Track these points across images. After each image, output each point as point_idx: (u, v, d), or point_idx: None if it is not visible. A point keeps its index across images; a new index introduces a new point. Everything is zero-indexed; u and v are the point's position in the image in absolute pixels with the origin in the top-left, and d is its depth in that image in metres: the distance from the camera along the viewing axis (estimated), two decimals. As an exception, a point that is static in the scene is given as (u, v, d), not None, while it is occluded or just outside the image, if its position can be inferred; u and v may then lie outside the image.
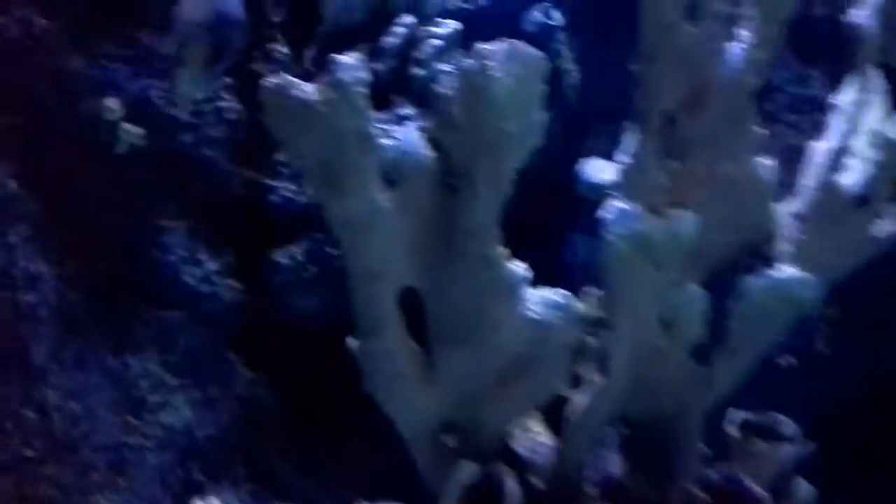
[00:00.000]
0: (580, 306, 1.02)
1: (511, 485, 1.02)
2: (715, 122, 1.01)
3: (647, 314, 1.01)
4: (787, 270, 1.03)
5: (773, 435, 1.12)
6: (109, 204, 1.01)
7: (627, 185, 1.00)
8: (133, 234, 1.04)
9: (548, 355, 1.00)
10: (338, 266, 1.12)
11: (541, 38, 1.44)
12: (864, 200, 1.07)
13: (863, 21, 1.02)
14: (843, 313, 1.41)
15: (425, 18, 1.22)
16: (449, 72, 0.93)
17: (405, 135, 0.95)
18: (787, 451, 1.11)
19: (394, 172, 0.95)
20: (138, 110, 1.01)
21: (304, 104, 0.88)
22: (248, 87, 1.12)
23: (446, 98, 0.93)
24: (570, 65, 1.39)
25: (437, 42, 1.20)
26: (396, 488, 1.02)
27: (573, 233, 1.34)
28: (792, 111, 1.63)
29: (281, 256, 1.15)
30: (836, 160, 1.05)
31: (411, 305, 0.98)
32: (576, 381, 1.04)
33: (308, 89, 0.89)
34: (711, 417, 1.10)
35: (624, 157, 1.00)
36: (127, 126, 1.01)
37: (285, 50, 1.17)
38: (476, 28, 1.29)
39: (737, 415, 1.13)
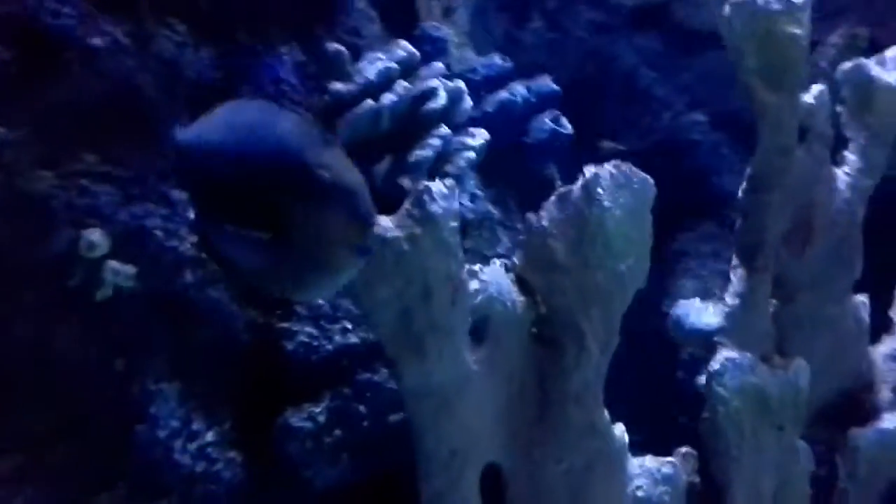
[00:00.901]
0: (685, 476, 0.85)
1: None
2: (821, 258, 0.89)
3: (766, 483, 0.85)
4: (894, 420, 0.92)
5: None
6: (84, 370, 0.76)
7: (736, 331, 0.85)
8: (113, 408, 0.78)
9: (655, 542, 0.82)
10: (372, 429, 0.90)
11: (550, 146, 1.31)
12: (955, 338, 0.98)
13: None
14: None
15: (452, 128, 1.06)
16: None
17: (491, 276, 0.76)
18: None
19: (479, 324, 0.76)
20: (128, 244, 0.77)
21: (382, 241, 0.68)
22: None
23: (541, 232, 0.76)
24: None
25: (471, 155, 1.04)
26: None
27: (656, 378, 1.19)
28: None
29: (297, 419, 0.92)
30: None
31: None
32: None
33: (386, 223, 0.69)
34: None
35: (731, 299, 0.86)
36: (114, 265, 0.77)
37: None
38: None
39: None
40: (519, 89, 1.26)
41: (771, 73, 0.81)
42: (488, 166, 1.17)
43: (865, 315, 0.94)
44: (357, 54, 1.06)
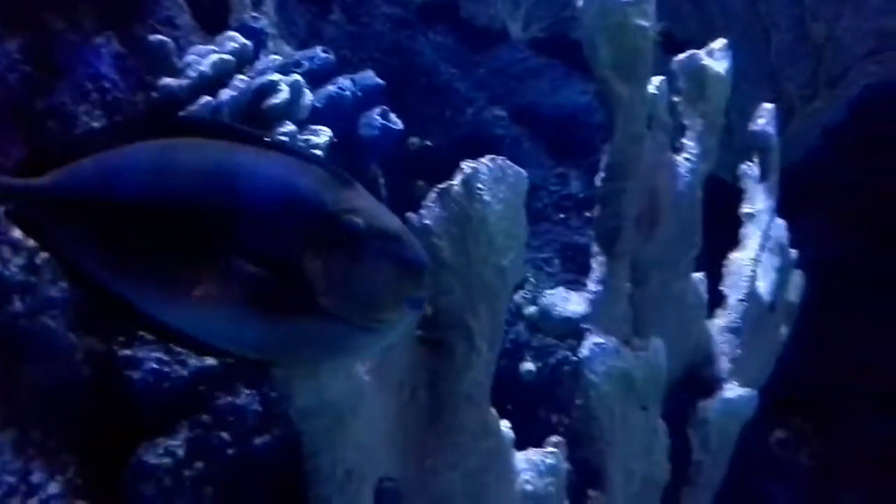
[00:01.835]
0: (566, 465, 0.86)
1: None
2: (667, 239, 0.93)
3: (637, 464, 0.88)
4: (735, 389, 0.98)
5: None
6: None
7: (600, 317, 0.87)
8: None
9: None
10: (237, 456, 0.82)
11: (381, 142, 1.27)
12: (773, 307, 1.08)
13: (767, 130, 1.03)
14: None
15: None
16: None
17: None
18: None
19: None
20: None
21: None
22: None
23: (424, 231, 0.73)
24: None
25: (318, 154, 0.98)
26: None
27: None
28: (557, 209, 1.65)
29: (152, 455, 0.81)
30: (755, 270, 1.03)
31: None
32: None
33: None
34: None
35: (594, 286, 0.88)
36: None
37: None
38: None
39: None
40: (346, 83, 1.22)
41: (623, 65, 0.84)
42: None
43: (703, 291, 1.01)
44: (178, 46, 0.97)
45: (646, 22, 0.83)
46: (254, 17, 1.14)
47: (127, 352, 0.80)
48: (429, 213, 0.73)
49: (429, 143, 1.60)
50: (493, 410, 0.78)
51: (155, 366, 0.81)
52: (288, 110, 0.93)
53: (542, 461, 0.82)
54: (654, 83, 0.89)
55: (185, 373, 0.81)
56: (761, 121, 1.03)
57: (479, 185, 0.74)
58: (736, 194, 1.09)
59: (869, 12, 1.23)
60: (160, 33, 0.97)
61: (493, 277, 0.74)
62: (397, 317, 0.52)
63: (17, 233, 0.66)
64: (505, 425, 0.80)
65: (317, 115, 1.18)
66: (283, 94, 0.92)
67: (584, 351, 0.85)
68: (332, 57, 1.28)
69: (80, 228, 0.52)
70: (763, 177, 1.04)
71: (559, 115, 1.68)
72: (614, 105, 0.85)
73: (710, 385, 0.99)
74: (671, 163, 0.92)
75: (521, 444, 0.82)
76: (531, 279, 1.46)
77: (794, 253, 1.11)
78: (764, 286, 1.05)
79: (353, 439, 0.69)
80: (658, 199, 0.92)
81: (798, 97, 1.34)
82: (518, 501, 0.79)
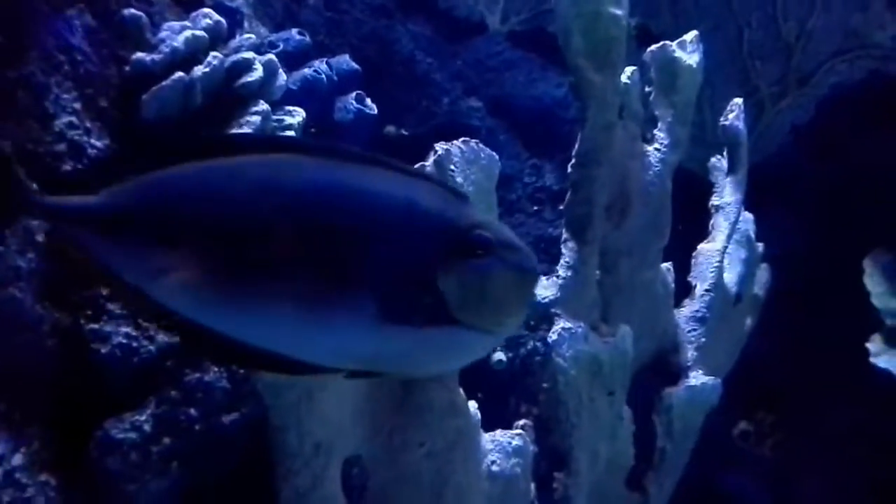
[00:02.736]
0: (533, 447, 0.86)
1: None
2: (637, 227, 0.94)
3: (602, 448, 0.89)
4: (700, 377, 1.00)
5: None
6: None
7: (570, 302, 0.88)
8: None
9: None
10: (206, 433, 0.82)
11: (356, 127, 1.27)
12: (739, 298, 1.09)
13: (736, 125, 1.05)
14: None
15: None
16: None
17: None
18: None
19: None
20: None
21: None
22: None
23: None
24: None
25: (291, 135, 0.97)
26: None
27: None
28: (531, 201, 1.66)
29: (118, 430, 0.80)
30: (722, 261, 1.05)
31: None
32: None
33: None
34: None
35: (564, 271, 0.88)
36: None
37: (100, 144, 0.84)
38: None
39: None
40: (322, 67, 1.22)
41: (596, 53, 0.85)
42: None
43: (671, 280, 1.02)
44: (152, 22, 0.96)
45: (619, 11, 0.84)
46: (230, -3, 1.13)
47: (95, 325, 0.79)
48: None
49: (405, 132, 1.60)
50: (461, 391, 0.79)
51: (123, 340, 0.80)
52: (262, 90, 0.93)
53: (509, 442, 0.83)
54: (627, 73, 0.91)
55: (153, 348, 0.80)
56: (731, 115, 1.05)
57: (452, 167, 0.74)
58: (707, 188, 1.11)
59: (837, 12, 1.25)
60: (134, 8, 0.97)
61: (463, 258, 0.75)
62: (517, 321, 0.55)
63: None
64: (472, 406, 0.81)
65: (291, 98, 1.18)
66: (257, 73, 0.91)
67: (553, 335, 0.86)
68: (307, 39, 1.28)
69: (168, 247, 0.50)
70: (732, 170, 1.06)
71: (535, 108, 1.69)
72: (587, 93, 0.86)
73: (676, 373, 1.01)
74: (642, 152, 0.93)
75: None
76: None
77: (760, 246, 1.13)
78: (731, 277, 1.07)
79: (321, 414, 0.69)
80: (628, 187, 0.93)
81: (769, 95, 1.36)
82: (484, 481, 0.80)
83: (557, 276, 0.88)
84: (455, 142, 0.76)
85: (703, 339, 1.02)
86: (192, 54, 0.91)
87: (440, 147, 0.74)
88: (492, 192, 0.78)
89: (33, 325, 0.75)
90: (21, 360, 0.74)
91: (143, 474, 0.80)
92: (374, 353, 0.52)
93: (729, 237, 1.05)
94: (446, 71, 1.68)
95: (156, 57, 0.88)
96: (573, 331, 0.86)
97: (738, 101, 1.07)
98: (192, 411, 0.83)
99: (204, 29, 0.93)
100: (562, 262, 0.89)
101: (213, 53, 0.90)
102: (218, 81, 0.90)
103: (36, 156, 0.81)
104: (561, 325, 0.87)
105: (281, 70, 0.99)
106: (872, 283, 1.12)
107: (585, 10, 0.84)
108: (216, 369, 0.84)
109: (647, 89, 0.95)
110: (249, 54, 0.93)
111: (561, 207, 0.97)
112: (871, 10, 1.26)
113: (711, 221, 1.05)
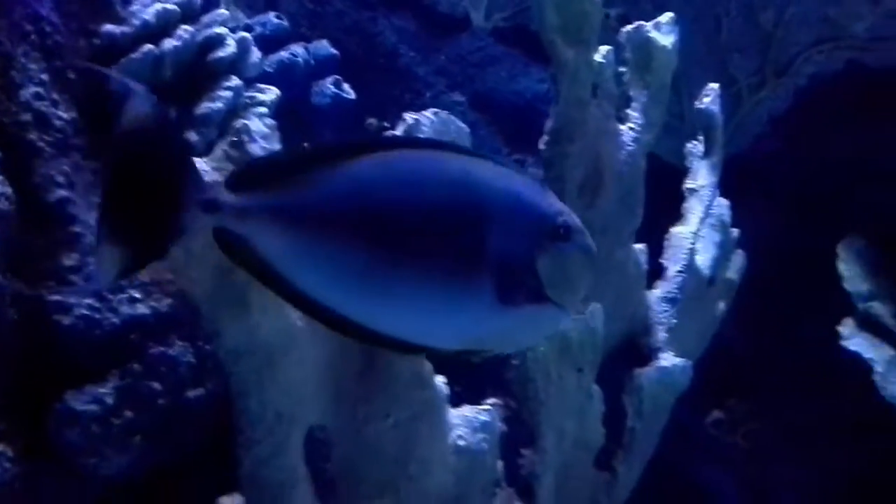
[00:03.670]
0: (500, 424, 0.86)
1: None
2: (610, 206, 0.94)
3: (569, 425, 0.89)
4: (670, 359, 1.00)
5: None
6: None
7: (540, 279, 0.88)
8: None
9: (475, 491, 0.82)
10: (169, 407, 0.81)
11: (332, 111, 1.27)
12: (712, 280, 1.09)
13: (711, 108, 1.05)
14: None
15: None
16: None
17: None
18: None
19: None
20: None
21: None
22: (21, 164, 0.78)
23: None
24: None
25: (264, 111, 0.97)
26: None
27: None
28: None
29: (79, 402, 0.79)
30: (694, 243, 1.05)
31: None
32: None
33: (202, 165, 0.62)
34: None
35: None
36: None
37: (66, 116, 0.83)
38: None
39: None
40: (299, 50, 1.22)
41: (569, 29, 0.85)
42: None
43: (643, 261, 1.02)
44: (124, -5, 0.95)
45: (593, -13, 0.84)
46: (206, -25, 1.13)
47: (57, 297, 0.79)
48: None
49: (387, 124, 1.60)
50: (428, 363, 0.78)
51: (86, 312, 0.79)
52: (234, 66, 0.93)
53: (476, 417, 0.82)
54: (602, 53, 0.90)
55: (116, 320, 0.80)
56: (706, 99, 1.05)
57: (421, 136, 0.74)
58: (683, 175, 1.11)
59: (815, 1, 1.26)
60: (107, -18, 0.96)
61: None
62: (581, 297, 0.61)
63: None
64: (439, 379, 0.80)
65: (267, 80, 1.17)
66: (230, 49, 0.91)
67: (522, 312, 0.86)
68: (285, 23, 1.28)
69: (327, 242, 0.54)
70: (707, 154, 1.06)
71: (517, 103, 1.69)
72: (560, 69, 0.86)
73: (647, 354, 1.01)
74: (616, 132, 0.93)
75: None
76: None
77: (735, 231, 1.12)
78: (703, 260, 1.07)
79: (283, 382, 0.69)
80: (602, 165, 0.93)
81: (746, 85, 1.36)
82: (450, 455, 0.80)
83: (528, 253, 0.87)
84: (425, 112, 0.76)
85: (675, 321, 1.02)
86: (163, 28, 0.91)
87: (409, 116, 0.74)
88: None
89: (-8, 295, 0.74)
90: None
91: (105, 448, 0.79)
92: (487, 332, 0.57)
93: (702, 220, 1.04)
94: (429, 65, 1.68)
95: (126, 29, 0.88)
96: (543, 308, 0.86)
97: (714, 85, 1.07)
98: (156, 385, 0.82)
99: (176, 4, 0.93)
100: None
101: (183, 27, 0.90)
102: (189, 56, 0.90)
103: (1, 126, 0.81)
104: (531, 301, 0.86)
105: (254, 48, 0.98)
106: (845, 267, 1.12)
107: (558, -14, 0.83)
108: (182, 344, 0.84)
109: (621, 70, 0.95)
110: (222, 29, 0.92)
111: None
112: (847, 0, 1.27)
113: (685, 204, 1.05)
